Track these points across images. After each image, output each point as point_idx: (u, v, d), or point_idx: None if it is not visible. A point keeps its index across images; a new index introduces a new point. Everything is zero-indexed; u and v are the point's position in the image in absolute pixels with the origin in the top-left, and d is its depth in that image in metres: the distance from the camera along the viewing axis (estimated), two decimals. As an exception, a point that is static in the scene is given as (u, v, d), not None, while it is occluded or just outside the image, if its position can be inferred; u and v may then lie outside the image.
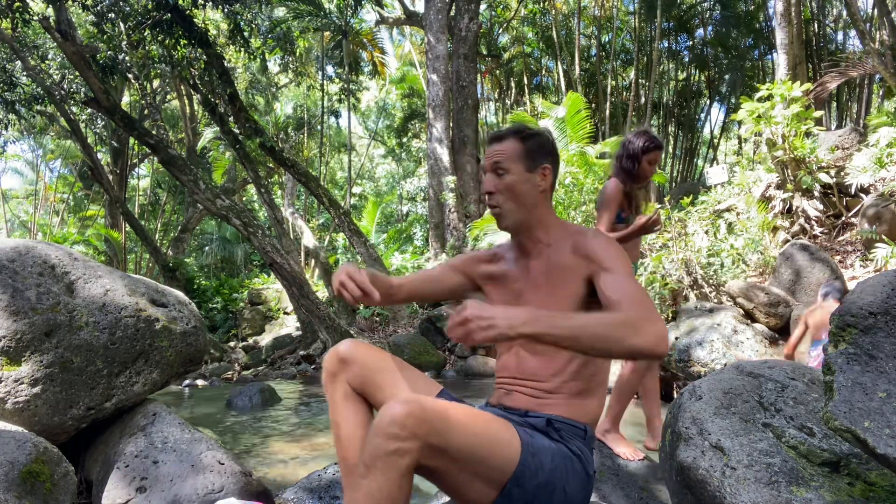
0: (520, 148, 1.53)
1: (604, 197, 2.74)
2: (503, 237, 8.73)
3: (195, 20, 8.78)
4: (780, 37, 9.20)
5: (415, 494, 2.45)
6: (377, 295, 1.41)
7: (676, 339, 4.82)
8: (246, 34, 9.76)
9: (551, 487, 1.33)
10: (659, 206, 9.08)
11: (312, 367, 9.23)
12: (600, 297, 1.41)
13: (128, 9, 8.25)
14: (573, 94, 9.59)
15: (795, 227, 7.20)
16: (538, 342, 1.19)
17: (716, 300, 6.49)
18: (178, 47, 9.09)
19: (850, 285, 5.20)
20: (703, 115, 20.13)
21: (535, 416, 1.45)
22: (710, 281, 6.78)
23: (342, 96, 17.06)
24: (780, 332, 5.16)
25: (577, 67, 16.23)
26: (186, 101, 17.08)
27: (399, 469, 1.15)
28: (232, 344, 13.71)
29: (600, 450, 2.15)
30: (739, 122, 7.44)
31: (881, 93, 14.25)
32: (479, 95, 15.16)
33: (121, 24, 8.45)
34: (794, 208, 7.27)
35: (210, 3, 8.50)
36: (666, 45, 17.42)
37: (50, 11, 7.67)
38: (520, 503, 1.30)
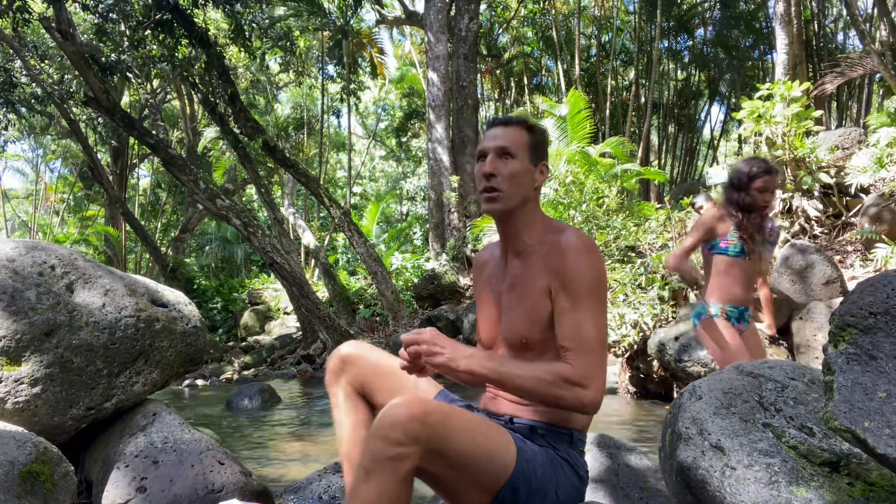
0: (527, 138, 1.47)
1: (696, 221, 2.77)
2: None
3: (196, 20, 8.78)
4: (780, 37, 9.19)
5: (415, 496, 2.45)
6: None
7: (676, 339, 4.82)
8: (247, 34, 9.74)
9: (543, 493, 1.33)
10: (659, 205, 9.08)
11: (312, 367, 9.22)
12: (555, 325, 1.38)
13: (129, 9, 8.24)
14: (575, 92, 9.58)
15: (795, 227, 7.19)
16: (477, 380, 1.30)
17: (716, 300, 6.48)
18: (179, 47, 9.08)
19: (850, 285, 5.20)
20: (703, 115, 20.14)
21: (519, 423, 1.45)
22: (711, 281, 6.75)
23: (343, 96, 17.05)
24: (781, 331, 5.16)
25: (577, 67, 16.22)
26: (186, 101, 17.07)
27: (399, 474, 1.12)
28: (232, 344, 13.70)
29: (601, 450, 2.15)
30: (740, 122, 7.44)
31: (881, 93, 14.25)
32: (479, 95, 15.14)
33: (121, 24, 8.45)
34: (793, 208, 7.26)
35: (210, 2, 8.49)
36: (666, 45, 17.40)
37: (50, 12, 7.66)
38: None
